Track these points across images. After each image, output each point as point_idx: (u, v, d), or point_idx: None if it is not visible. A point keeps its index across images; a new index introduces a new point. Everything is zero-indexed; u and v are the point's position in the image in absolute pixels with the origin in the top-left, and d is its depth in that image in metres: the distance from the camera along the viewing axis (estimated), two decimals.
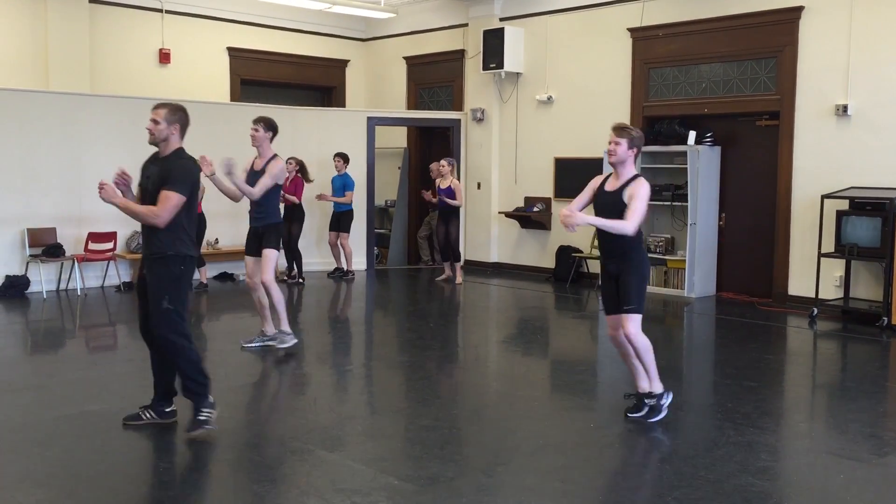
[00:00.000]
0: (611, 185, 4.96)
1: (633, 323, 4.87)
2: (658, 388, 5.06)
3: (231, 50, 12.59)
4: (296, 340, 6.93)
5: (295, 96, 13.61)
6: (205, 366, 4.77)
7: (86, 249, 9.60)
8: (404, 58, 13.40)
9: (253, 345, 6.84)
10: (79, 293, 9.59)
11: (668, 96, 10.26)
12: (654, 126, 10.21)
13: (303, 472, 4.14)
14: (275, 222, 6.79)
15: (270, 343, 6.86)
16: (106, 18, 11.31)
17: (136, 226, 10.22)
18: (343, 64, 13.94)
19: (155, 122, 4.63)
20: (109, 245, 9.75)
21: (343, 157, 11.00)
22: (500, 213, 12.07)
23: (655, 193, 9.98)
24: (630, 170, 4.90)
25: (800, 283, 9.16)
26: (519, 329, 8.51)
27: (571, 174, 11.13)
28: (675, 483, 4.06)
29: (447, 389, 6.10)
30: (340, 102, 13.89)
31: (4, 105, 9.28)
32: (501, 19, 11.81)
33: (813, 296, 8.58)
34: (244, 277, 10.91)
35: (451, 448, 4.62)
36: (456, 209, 10.76)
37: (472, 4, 12.08)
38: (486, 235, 12.29)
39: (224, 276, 10.97)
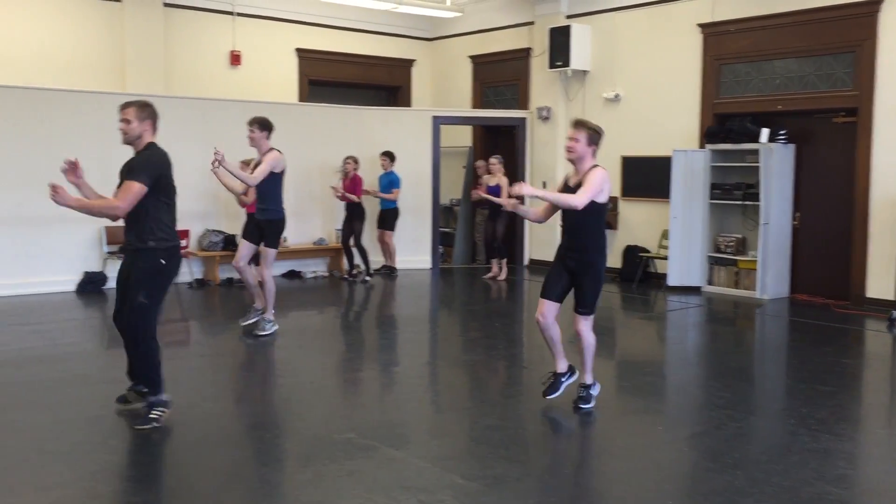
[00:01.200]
0: (573, 181, 5.02)
1: (586, 323, 5.13)
2: (589, 378, 5.27)
3: (299, 51, 12.78)
4: (276, 327, 7.31)
5: (361, 96, 13.74)
6: (161, 366, 4.82)
7: None
8: (470, 57, 13.40)
9: (249, 321, 7.40)
10: None
11: (740, 93, 10.02)
12: (725, 123, 9.98)
13: (369, 468, 4.17)
14: (276, 219, 7.20)
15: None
16: (180, 22, 11.60)
17: (209, 223, 10.50)
18: (409, 63, 14.02)
19: (126, 121, 4.61)
20: (182, 242, 9.97)
21: (389, 156, 11.05)
22: None
23: (726, 193, 9.83)
24: (589, 163, 4.94)
25: (878, 285, 8.84)
26: None
27: (639, 173, 10.99)
28: (747, 489, 3.96)
29: (512, 389, 6.07)
30: (406, 102, 13.97)
31: (83, 107, 9.58)
32: (568, 17, 11.71)
33: (892, 298, 8.28)
34: (311, 274, 11.15)
35: (517, 448, 4.60)
36: (500, 206, 10.77)
37: (538, 2, 12.00)
38: (552, 234, 12.18)
39: (292, 274, 11.14)
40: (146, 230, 4.57)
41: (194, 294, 9.74)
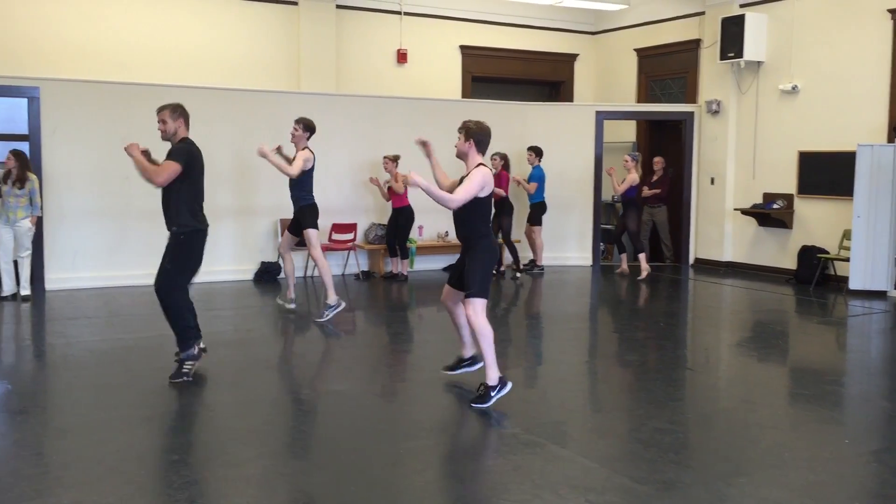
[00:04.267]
0: (462, 176, 5.28)
1: (473, 307, 5.08)
2: (492, 378, 5.13)
3: (463, 48, 12.93)
4: (341, 307, 7.67)
5: (524, 91, 13.73)
6: (194, 319, 5.64)
7: (329, 239, 10.26)
8: (635, 50, 13.09)
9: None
10: None
11: None
12: None
13: (536, 465, 4.16)
14: (306, 205, 7.74)
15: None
16: (350, 22, 12.02)
17: (374, 218, 10.83)
18: (572, 58, 13.87)
19: (163, 121, 5.50)
20: (350, 236, 10.37)
21: (535, 151, 11.02)
22: (735, 209, 11.47)
23: None
24: (474, 161, 5.15)
25: None
26: (755, 332, 8.04)
27: (818, 169, 10.36)
28: None
29: (678, 391, 5.88)
30: (569, 97, 13.83)
31: (261, 106, 10.13)
32: (742, 6, 11.19)
33: None
34: None
35: (687, 453, 4.46)
36: (632, 201, 10.73)
37: None
38: (720, 233, 11.73)
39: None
40: (172, 217, 5.52)
41: (360, 285, 10.08)
